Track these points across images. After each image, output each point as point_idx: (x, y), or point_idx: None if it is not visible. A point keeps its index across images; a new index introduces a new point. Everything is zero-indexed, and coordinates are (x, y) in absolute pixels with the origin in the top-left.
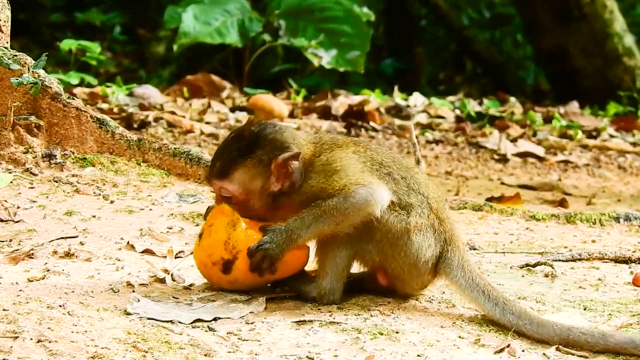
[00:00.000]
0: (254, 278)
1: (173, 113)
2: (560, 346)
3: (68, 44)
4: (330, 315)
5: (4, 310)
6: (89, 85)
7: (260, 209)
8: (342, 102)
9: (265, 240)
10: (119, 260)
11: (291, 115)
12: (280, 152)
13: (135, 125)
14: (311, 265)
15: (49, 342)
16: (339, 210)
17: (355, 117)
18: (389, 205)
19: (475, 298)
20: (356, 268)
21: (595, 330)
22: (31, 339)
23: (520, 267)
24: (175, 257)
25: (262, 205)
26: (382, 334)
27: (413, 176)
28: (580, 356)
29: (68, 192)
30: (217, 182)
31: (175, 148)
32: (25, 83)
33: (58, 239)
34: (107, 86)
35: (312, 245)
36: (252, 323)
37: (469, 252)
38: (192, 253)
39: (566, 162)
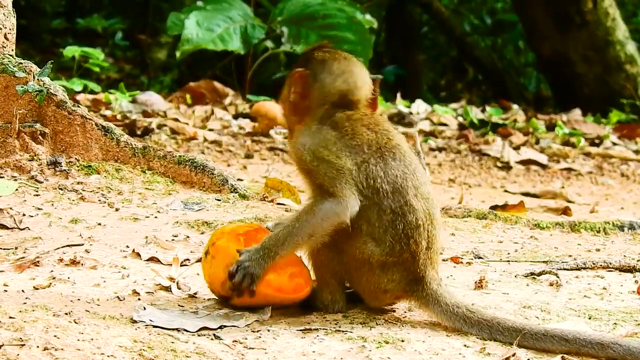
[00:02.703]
0: (255, 303)
1: (176, 120)
2: (565, 355)
3: (71, 51)
4: (335, 324)
5: (10, 318)
6: (92, 92)
7: (292, 116)
8: None
9: (243, 260)
10: (125, 268)
11: None
12: (300, 67)
13: (138, 132)
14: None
15: (55, 350)
16: (312, 225)
17: None
18: (360, 233)
19: (459, 327)
20: None
21: (594, 341)
22: (37, 347)
23: (525, 276)
24: (181, 265)
25: (292, 114)
26: (387, 342)
27: (406, 215)
28: None
29: (73, 200)
30: None
31: (180, 156)
32: (30, 91)
33: (63, 246)
34: (111, 93)
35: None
36: (258, 331)
37: (472, 263)
38: (198, 261)
39: (569, 169)
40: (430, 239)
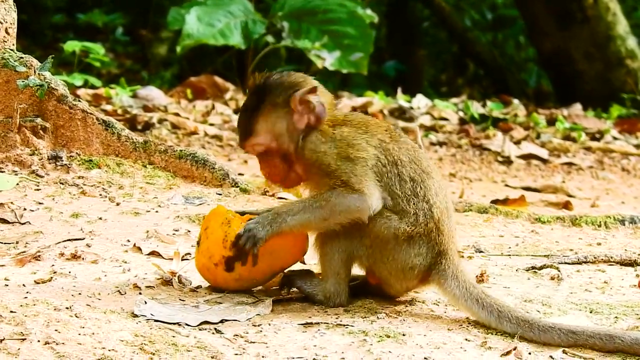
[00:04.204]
0: (258, 273)
1: (177, 115)
2: (566, 349)
3: (72, 46)
4: (337, 318)
5: (12, 312)
6: (93, 87)
7: (294, 153)
8: (345, 103)
9: (250, 223)
10: (126, 262)
11: None
12: (293, 90)
13: (139, 127)
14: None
15: (57, 344)
16: (329, 208)
17: None
18: (382, 210)
19: (470, 307)
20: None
21: (602, 332)
22: (38, 341)
23: (526, 270)
24: (182, 260)
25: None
26: (388, 336)
27: (424, 181)
28: (587, 359)
29: (74, 194)
30: (247, 143)
31: (181, 150)
32: (31, 85)
33: (64, 241)
34: (111, 88)
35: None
36: (258, 325)
37: (473, 257)
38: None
39: (570, 164)
40: (448, 209)
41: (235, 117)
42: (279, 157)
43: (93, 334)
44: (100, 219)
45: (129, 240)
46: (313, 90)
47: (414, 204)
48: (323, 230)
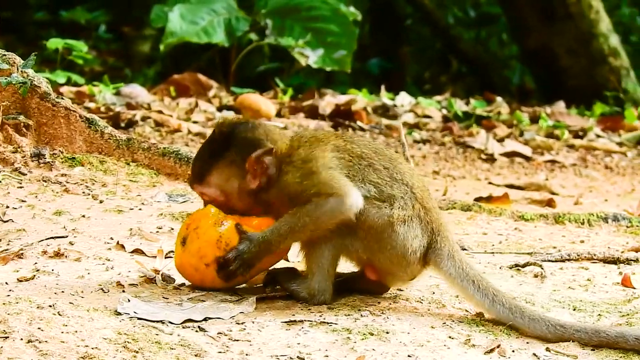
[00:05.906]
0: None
1: (160, 112)
2: (549, 346)
3: (55, 43)
4: (320, 316)
5: None
6: (76, 84)
7: (242, 207)
8: (329, 101)
9: (242, 250)
10: (109, 260)
11: (278, 114)
12: (252, 150)
13: (122, 125)
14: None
15: (39, 342)
16: (312, 221)
17: (342, 117)
18: (370, 201)
19: (465, 288)
20: (347, 267)
21: (588, 326)
22: (21, 339)
23: (510, 268)
24: (165, 257)
25: (244, 204)
26: (372, 334)
27: (396, 166)
28: (570, 356)
29: (57, 192)
30: (197, 187)
31: (164, 148)
32: (14, 82)
33: (47, 238)
34: (94, 85)
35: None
36: (242, 323)
37: None
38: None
39: (553, 162)
40: (426, 189)
41: (219, 115)
42: (222, 205)
43: (76, 332)
44: (84, 216)
45: (112, 238)
46: (269, 151)
47: (397, 187)
48: (315, 236)
